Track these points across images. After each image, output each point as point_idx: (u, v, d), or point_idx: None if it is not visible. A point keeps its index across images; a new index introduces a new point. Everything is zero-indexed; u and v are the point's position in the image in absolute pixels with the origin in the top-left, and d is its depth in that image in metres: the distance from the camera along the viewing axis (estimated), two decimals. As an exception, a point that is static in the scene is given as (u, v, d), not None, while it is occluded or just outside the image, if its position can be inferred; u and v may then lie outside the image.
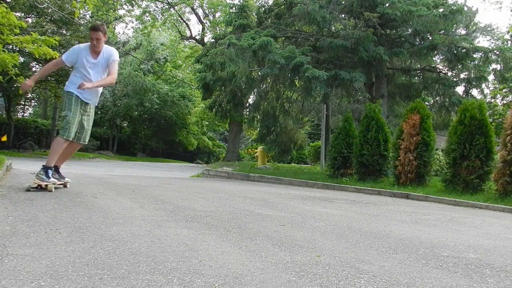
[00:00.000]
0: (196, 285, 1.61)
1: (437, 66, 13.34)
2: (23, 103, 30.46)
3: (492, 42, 15.41)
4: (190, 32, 28.77)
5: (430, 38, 11.30)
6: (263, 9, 14.53)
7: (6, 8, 7.09)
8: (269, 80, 13.97)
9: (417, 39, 11.91)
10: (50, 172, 4.17)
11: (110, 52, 4.41)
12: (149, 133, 30.78)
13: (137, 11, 27.67)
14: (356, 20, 12.12)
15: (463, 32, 12.64)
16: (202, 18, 26.56)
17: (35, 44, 7.24)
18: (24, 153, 17.09)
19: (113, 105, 25.99)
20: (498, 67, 11.53)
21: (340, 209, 4.46)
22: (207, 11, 26.91)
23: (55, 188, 4.18)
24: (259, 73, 12.69)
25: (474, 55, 11.22)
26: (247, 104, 17.73)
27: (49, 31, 14.11)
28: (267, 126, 14.17)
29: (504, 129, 6.28)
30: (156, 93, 25.91)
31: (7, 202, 3.29)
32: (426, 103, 12.87)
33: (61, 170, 4.57)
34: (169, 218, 3.10)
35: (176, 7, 26.80)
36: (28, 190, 3.99)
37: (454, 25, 11.51)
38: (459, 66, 11.81)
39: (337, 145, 9.02)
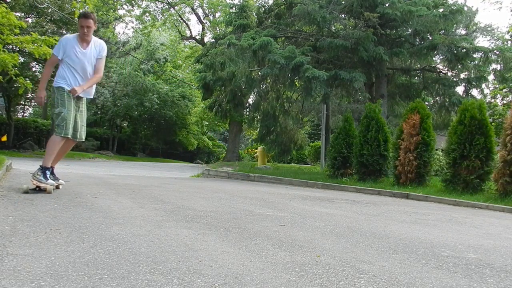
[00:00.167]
0: (196, 285, 1.61)
1: (437, 66, 13.35)
2: (23, 103, 30.49)
3: (492, 42, 15.43)
4: (190, 32, 28.80)
5: (430, 38, 11.31)
6: (263, 9, 14.53)
7: (6, 8, 7.09)
8: (269, 80, 13.98)
9: (417, 39, 11.91)
10: (48, 173, 4.04)
11: (101, 45, 4.29)
12: (149, 133, 30.79)
13: (137, 11, 27.75)
14: (356, 20, 12.13)
15: (463, 32, 12.64)
16: (202, 18, 26.59)
17: (35, 44, 7.23)
18: (24, 153, 17.10)
19: (113, 105, 25.99)
20: (498, 67, 11.53)
21: (340, 209, 4.46)
22: (207, 11, 26.94)
23: (31, 188, 3.97)
24: (259, 73, 12.69)
25: (474, 55, 11.22)
26: (247, 104, 17.73)
27: (49, 31, 14.11)
28: (267, 126, 14.18)
29: (504, 129, 6.28)
30: (156, 93, 25.92)
31: (7, 202, 3.29)
32: (426, 103, 12.88)
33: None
34: (169, 218, 3.10)
35: (176, 7, 26.83)
36: (26, 192, 3.83)
37: (454, 25, 11.52)
38: (459, 66, 11.82)
39: (337, 145, 9.02)
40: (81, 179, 6.13)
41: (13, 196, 3.64)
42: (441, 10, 11.18)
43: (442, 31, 11.67)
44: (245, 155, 26.43)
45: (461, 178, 6.67)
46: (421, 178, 7.53)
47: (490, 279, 1.95)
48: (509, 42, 20.66)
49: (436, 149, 8.58)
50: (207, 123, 31.72)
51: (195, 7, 26.41)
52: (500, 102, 26.12)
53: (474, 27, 12.75)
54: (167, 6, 26.85)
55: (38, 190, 3.94)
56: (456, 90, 12.39)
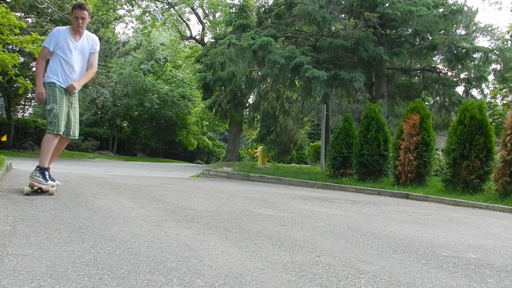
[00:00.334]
0: (196, 285, 1.61)
1: (437, 66, 13.35)
2: (23, 103, 30.46)
3: (492, 42, 15.43)
4: (190, 32, 28.80)
5: (430, 38, 11.31)
6: (263, 9, 14.54)
7: (6, 8, 7.09)
8: (269, 80, 13.98)
9: (417, 39, 11.91)
10: (47, 173, 3.91)
11: (93, 39, 4.18)
12: (149, 133, 30.80)
13: (137, 11, 27.74)
14: (356, 20, 12.13)
15: (463, 32, 12.64)
16: (202, 18, 26.59)
17: (35, 44, 7.24)
18: (24, 153, 17.10)
19: (113, 105, 25.99)
20: (498, 67, 11.53)
21: (340, 209, 4.46)
22: (207, 11, 26.94)
23: (33, 190, 3.85)
24: (259, 73, 12.69)
25: (474, 55, 11.22)
26: (247, 104, 17.73)
27: (49, 31, 14.09)
28: (267, 126, 14.18)
29: (504, 129, 6.28)
30: (156, 93, 25.92)
31: (7, 202, 3.29)
32: (426, 103, 12.87)
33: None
34: (169, 218, 3.10)
35: (176, 7, 26.83)
36: (27, 194, 3.72)
37: (454, 25, 11.51)
38: (459, 66, 11.82)
39: (337, 145, 9.02)
40: (81, 179, 6.13)
41: (13, 196, 3.64)
42: (441, 10, 11.19)
43: (442, 31, 11.67)
44: (245, 155, 26.42)
45: (461, 178, 6.67)
46: (421, 178, 7.53)
47: (490, 279, 1.95)
48: (509, 42, 20.67)
49: (436, 149, 8.58)
50: (207, 123, 31.72)
51: (195, 7, 26.42)
52: (500, 102, 26.13)
53: (474, 27, 12.75)
54: (167, 6, 26.85)
55: (40, 191, 3.85)
56: (456, 90, 12.40)
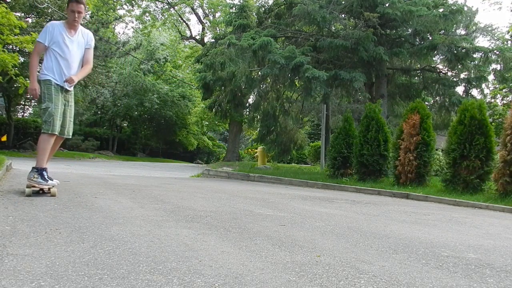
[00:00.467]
0: (196, 285, 1.61)
1: (437, 66, 13.35)
2: (23, 103, 30.44)
3: (492, 42, 15.40)
4: (190, 32, 28.80)
5: (430, 38, 11.31)
6: (263, 9, 14.54)
7: (6, 8, 7.09)
8: (269, 80, 13.98)
9: (417, 39, 11.92)
10: (45, 174, 3.79)
11: (88, 34, 4.09)
12: (149, 133, 30.80)
13: (137, 11, 27.74)
14: (356, 20, 12.13)
15: (463, 32, 12.64)
16: (202, 18, 26.60)
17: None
18: (24, 153, 17.10)
19: (113, 105, 26.00)
20: (498, 67, 11.54)
21: (340, 209, 4.46)
22: (207, 11, 26.94)
23: (34, 192, 3.76)
24: (259, 73, 12.70)
25: (474, 55, 11.23)
26: (247, 104, 17.74)
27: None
28: (267, 126, 14.18)
29: (504, 129, 6.28)
30: (156, 93, 25.93)
31: (7, 202, 3.29)
32: (426, 103, 12.88)
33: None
34: (169, 218, 3.10)
35: (176, 7, 26.83)
36: (29, 195, 3.64)
37: (454, 25, 11.52)
38: (459, 66, 11.82)
39: (337, 145, 9.02)
40: (81, 179, 6.14)
41: (13, 196, 3.64)
42: (441, 10, 11.19)
43: (442, 31, 11.68)
44: (245, 155, 26.43)
45: (461, 178, 6.67)
46: (421, 178, 7.53)
47: (490, 279, 1.95)
48: (509, 42, 20.67)
49: (436, 149, 8.59)
50: (207, 123, 31.72)
51: (195, 7, 26.43)
52: (500, 102, 26.13)
53: (474, 27, 12.74)
54: (167, 6, 26.85)
55: (42, 192, 3.79)
56: (456, 90, 12.40)
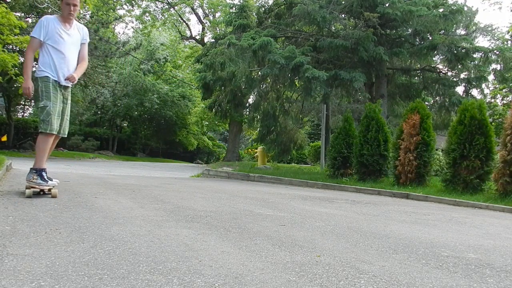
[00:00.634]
0: (196, 285, 1.61)
1: (437, 66, 13.35)
2: (23, 103, 30.44)
3: (492, 42, 15.42)
4: (190, 32, 28.80)
5: (430, 38, 11.31)
6: (263, 9, 14.53)
7: (6, 8, 7.10)
8: (269, 80, 13.98)
9: (417, 39, 11.92)
10: (44, 174, 3.69)
11: (84, 29, 3.98)
12: (149, 133, 30.80)
13: (137, 11, 27.74)
14: (356, 20, 12.13)
15: (463, 32, 12.65)
16: (202, 18, 26.60)
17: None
18: (24, 153, 17.10)
19: (113, 105, 26.00)
20: (498, 67, 11.54)
21: (340, 209, 4.46)
22: (207, 11, 26.94)
23: (35, 193, 3.69)
24: (259, 73, 12.69)
25: (474, 55, 11.23)
26: (247, 104, 17.74)
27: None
28: (267, 126, 14.18)
29: (504, 129, 6.28)
30: (156, 93, 25.93)
31: (7, 202, 3.29)
32: (426, 103, 12.88)
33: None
34: (169, 218, 3.10)
35: (176, 7, 26.83)
36: (29, 197, 3.56)
37: (454, 25, 11.52)
38: (459, 66, 11.82)
39: (337, 145, 9.02)
40: (81, 179, 6.14)
41: (13, 196, 3.64)
42: (441, 10, 11.19)
43: (442, 31, 11.68)
44: (245, 155, 26.44)
45: (461, 178, 6.67)
46: (421, 178, 7.53)
47: (490, 279, 1.95)
48: (509, 42, 20.66)
49: (436, 149, 8.59)
50: (207, 123, 31.73)
51: (195, 7, 26.43)
52: (500, 102, 26.13)
53: (474, 27, 12.75)
54: (167, 6, 26.85)
55: (43, 193, 3.72)
56: (456, 90, 12.40)
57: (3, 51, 7.24)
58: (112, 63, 22.51)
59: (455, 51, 10.87)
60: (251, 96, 17.34)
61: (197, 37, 27.53)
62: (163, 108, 26.59)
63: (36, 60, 3.96)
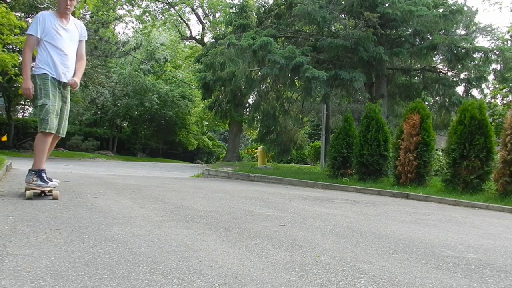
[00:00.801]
0: (196, 285, 1.61)
1: (437, 66, 13.35)
2: (23, 103, 30.45)
3: (492, 42, 15.42)
4: (190, 32, 28.80)
5: (430, 38, 11.31)
6: (263, 9, 14.53)
7: (6, 8, 7.10)
8: (269, 80, 13.97)
9: (417, 39, 11.91)
10: (44, 175, 3.60)
11: (81, 25, 3.90)
12: (149, 133, 30.80)
13: (137, 11, 27.73)
14: (356, 20, 12.13)
15: (463, 32, 12.65)
16: (202, 18, 26.59)
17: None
18: (24, 153, 17.10)
19: (113, 105, 25.99)
20: (498, 67, 11.53)
21: (340, 209, 4.46)
22: (207, 11, 26.94)
23: (35, 194, 3.62)
24: (259, 73, 12.69)
25: (474, 55, 11.22)
26: (247, 104, 17.74)
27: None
28: (267, 126, 14.18)
29: (504, 129, 6.28)
30: (156, 93, 25.93)
31: (7, 202, 3.29)
32: (426, 103, 12.88)
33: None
34: (169, 218, 3.10)
35: (176, 7, 26.83)
36: (29, 198, 3.48)
37: (454, 25, 11.52)
38: (459, 66, 11.81)
39: (337, 145, 9.02)
40: (81, 179, 6.14)
41: (13, 196, 3.64)
42: (441, 10, 11.19)
43: (442, 31, 11.67)
44: (245, 155, 26.44)
45: (461, 178, 6.67)
46: (421, 178, 7.53)
47: (490, 279, 1.95)
48: (509, 42, 20.66)
49: (436, 149, 8.59)
50: (207, 123, 31.72)
51: (195, 7, 26.43)
52: (500, 102, 26.13)
53: (474, 27, 12.75)
54: (167, 6, 26.85)
55: (44, 195, 3.66)
56: (456, 90, 12.39)
57: (3, 51, 7.24)
58: (112, 63, 22.51)
59: (455, 51, 10.87)
60: (251, 96, 17.34)
61: (197, 37, 27.53)
62: (163, 108, 26.59)
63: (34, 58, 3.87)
